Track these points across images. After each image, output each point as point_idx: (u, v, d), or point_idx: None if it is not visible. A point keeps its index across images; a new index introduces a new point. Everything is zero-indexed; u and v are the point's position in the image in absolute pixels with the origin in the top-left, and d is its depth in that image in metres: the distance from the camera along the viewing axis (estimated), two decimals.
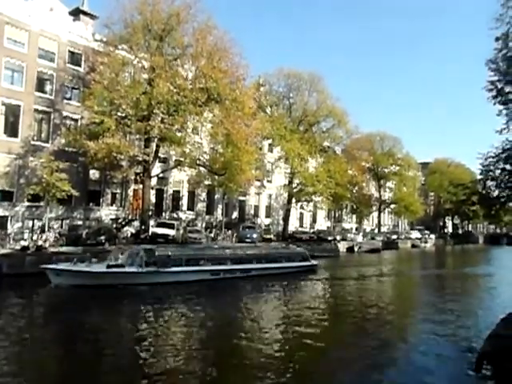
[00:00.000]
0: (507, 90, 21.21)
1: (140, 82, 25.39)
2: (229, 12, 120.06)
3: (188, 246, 23.93)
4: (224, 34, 26.34)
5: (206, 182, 34.08)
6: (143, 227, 27.01)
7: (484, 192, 24.90)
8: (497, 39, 21.07)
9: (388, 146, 61.61)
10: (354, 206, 57.41)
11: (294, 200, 41.17)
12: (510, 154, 22.12)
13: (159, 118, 25.03)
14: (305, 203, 43.51)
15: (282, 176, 43.54)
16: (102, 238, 23.82)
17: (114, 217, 29.41)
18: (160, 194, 33.26)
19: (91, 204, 28.59)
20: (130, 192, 31.25)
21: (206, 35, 25.45)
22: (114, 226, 27.99)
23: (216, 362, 9.25)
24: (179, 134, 26.37)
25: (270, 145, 41.58)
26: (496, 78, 21.40)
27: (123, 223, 28.97)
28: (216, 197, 37.67)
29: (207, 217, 37.31)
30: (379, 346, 10.56)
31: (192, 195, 36.20)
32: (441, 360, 9.60)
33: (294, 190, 39.73)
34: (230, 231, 34.02)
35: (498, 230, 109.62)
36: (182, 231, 29.58)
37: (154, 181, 29.93)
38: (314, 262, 25.97)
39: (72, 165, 26.44)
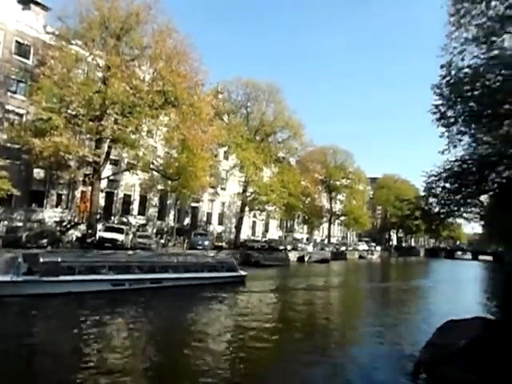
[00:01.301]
0: (449, 113, 22.74)
1: (94, 81, 24.49)
2: (189, 17, 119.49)
3: (88, 252, 20.94)
4: (184, 38, 26.14)
5: (159, 187, 33.38)
6: (90, 231, 25.88)
7: (426, 208, 26.33)
8: (442, 66, 22.59)
9: (340, 159, 63.89)
10: (306, 217, 58.65)
11: (247, 208, 41.33)
12: (450, 173, 23.70)
13: (113, 119, 24.22)
14: (258, 212, 43.80)
15: (236, 184, 43.63)
16: (44, 241, 22.46)
17: (58, 219, 27.90)
18: (110, 197, 32.10)
19: (34, 205, 26.96)
20: (78, 194, 29.88)
21: (166, 38, 25.10)
22: (58, 228, 26.55)
23: None
24: (133, 137, 25.67)
25: (225, 152, 41.57)
26: (440, 102, 22.87)
27: (68, 226, 27.58)
28: (168, 202, 36.99)
29: (159, 222, 36.48)
30: (320, 356, 10.75)
31: (143, 200, 35.28)
32: (382, 367, 9.95)
33: (248, 199, 39.90)
34: (181, 238, 33.47)
35: (438, 244, 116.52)
36: (131, 236, 28.68)
37: (103, 183, 28.86)
38: (242, 272, 23.92)
39: (14, 162, 24.83)
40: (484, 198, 27.76)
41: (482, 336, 8.33)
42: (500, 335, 8.55)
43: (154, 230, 34.70)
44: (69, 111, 23.68)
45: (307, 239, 60.25)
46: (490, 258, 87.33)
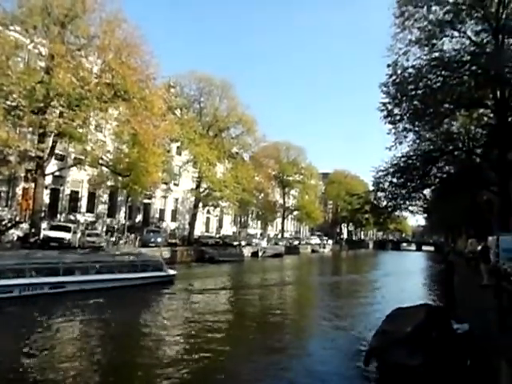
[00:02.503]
0: (395, 111, 23.84)
1: (36, 70, 23.04)
2: (143, 8, 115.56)
3: None
4: (134, 30, 25.21)
5: (109, 183, 32.14)
6: (33, 230, 24.44)
7: (375, 202, 27.54)
8: (388, 66, 23.61)
9: (293, 155, 65.06)
10: (260, 212, 59.17)
11: (200, 204, 40.92)
12: (396, 168, 24.87)
13: (58, 112, 22.97)
14: (212, 208, 43.55)
15: (189, 180, 43.05)
16: None
17: None
18: (55, 194, 30.46)
19: None
20: (19, 191, 28.04)
21: (115, 28, 24.09)
22: None
23: None
24: (80, 131, 24.48)
25: (178, 148, 40.84)
26: (387, 101, 23.94)
27: (9, 225, 25.86)
28: (119, 199, 35.77)
29: (109, 220, 35.20)
30: (277, 348, 10.92)
31: (92, 196, 33.84)
32: (336, 357, 10.30)
33: (202, 195, 39.51)
34: (133, 235, 32.53)
35: (385, 237, 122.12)
36: (79, 235, 27.48)
37: (48, 179, 27.31)
38: (171, 271, 21.55)
39: None
40: (427, 191, 29.56)
41: (426, 322, 8.82)
42: (442, 320, 9.09)
43: (104, 228, 33.47)
44: (8, 102, 22.10)
45: (261, 234, 60.79)
46: (431, 248, 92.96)
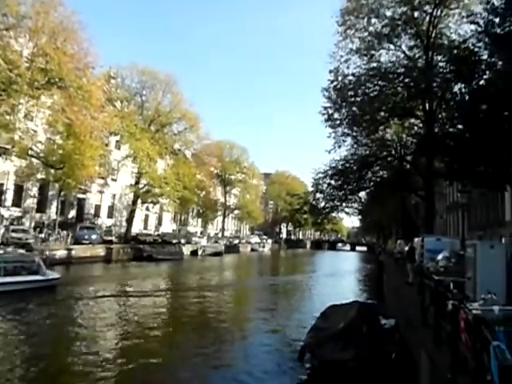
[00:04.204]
0: (336, 116, 24.89)
1: None
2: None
3: None
4: (72, 14, 23.82)
5: (39, 176, 30.01)
6: None
7: (314, 202, 28.52)
8: (330, 72, 24.63)
9: (236, 154, 65.36)
10: (201, 210, 58.63)
11: (139, 201, 39.59)
12: (335, 171, 25.95)
13: None
14: (151, 205, 42.34)
15: (128, 175, 41.49)
16: None
17: None
18: None
19: None
20: None
21: (50, 10, 22.55)
22: None
23: None
24: (8, 118, 22.65)
25: (117, 141, 39.21)
26: (328, 105, 24.94)
27: None
28: (50, 193, 33.55)
29: (38, 215, 32.88)
30: (217, 348, 10.89)
31: (19, 189, 31.38)
32: (272, 353, 10.46)
33: (141, 191, 38.24)
34: (65, 232, 30.66)
35: (322, 237, 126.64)
36: (2, 230, 25.40)
37: None
38: (52, 275, 17.56)
39: None
40: (362, 194, 31.17)
41: (357, 318, 9.28)
42: (371, 316, 9.61)
43: (33, 224, 31.22)
44: None
45: (201, 233, 60.28)
46: (365, 248, 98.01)
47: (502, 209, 24.95)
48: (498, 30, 12.34)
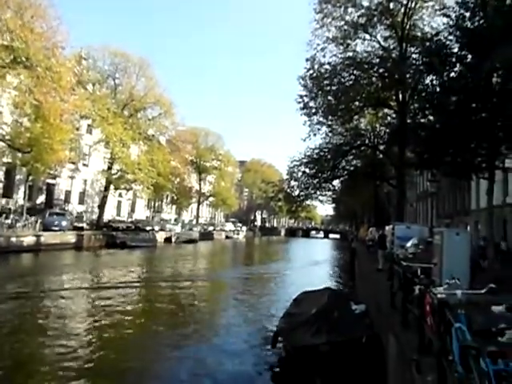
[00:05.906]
0: (311, 104, 24.98)
1: None
2: None
3: None
4: None
5: (5, 160, 28.85)
6: None
7: (288, 190, 28.72)
8: (307, 60, 24.62)
9: (211, 141, 64.82)
10: (175, 197, 58.10)
11: (112, 187, 38.74)
12: (309, 159, 26.16)
13: None
14: (124, 191, 41.56)
15: (100, 160, 40.50)
16: None
17: None
18: None
19: None
20: None
21: None
22: None
23: None
24: None
25: (89, 125, 38.11)
26: (304, 93, 24.99)
27: None
28: (18, 177, 32.37)
29: (4, 200, 31.72)
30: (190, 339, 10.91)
31: None
32: (245, 340, 10.52)
33: (114, 177, 37.38)
34: (33, 218, 29.71)
35: (296, 224, 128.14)
36: None
37: None
38: None
39: None
40: (336, 182, 31.60)
41: (328, 304, 9.48)
42: (342, 302, 9.85)
43: None
44: None
45: (175, 220, 59.80)
46: (338, 236, 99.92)
47: (468, 198, 25.95)
48: (469, 24, 12.64)
